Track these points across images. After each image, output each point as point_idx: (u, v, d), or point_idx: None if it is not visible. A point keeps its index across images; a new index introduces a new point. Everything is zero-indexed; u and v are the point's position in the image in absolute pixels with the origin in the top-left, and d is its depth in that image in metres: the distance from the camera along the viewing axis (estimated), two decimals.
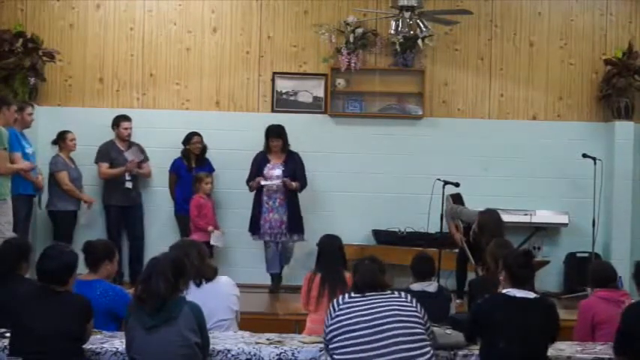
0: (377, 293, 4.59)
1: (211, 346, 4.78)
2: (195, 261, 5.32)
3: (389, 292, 4.64)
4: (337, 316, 4.52)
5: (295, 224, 8.80)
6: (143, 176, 9.34)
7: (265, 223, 8.76)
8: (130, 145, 9.22)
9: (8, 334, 4.74)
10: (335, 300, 4.64)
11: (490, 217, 7.39)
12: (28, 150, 8.00)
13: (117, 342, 4.90)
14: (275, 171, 8.83)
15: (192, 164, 9.20)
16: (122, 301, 5.18)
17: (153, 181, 9.47)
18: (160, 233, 9.22)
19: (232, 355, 4.82)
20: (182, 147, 9.27)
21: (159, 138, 9.37)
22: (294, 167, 8.84)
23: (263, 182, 8.77)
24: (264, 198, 8.79)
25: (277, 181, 8.76)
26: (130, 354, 4.57)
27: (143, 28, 9.62)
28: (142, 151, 9.27)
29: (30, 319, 4.55)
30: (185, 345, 4.48)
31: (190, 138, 9.21)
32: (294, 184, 8.76)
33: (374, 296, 4.57)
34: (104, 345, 4.84)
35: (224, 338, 5.07)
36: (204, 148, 9.27)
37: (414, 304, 4.57)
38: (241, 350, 4.84)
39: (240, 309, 5.59)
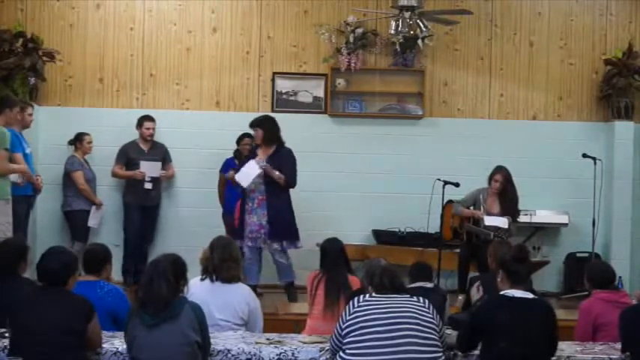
0: (397, 295, 4.66)
1: (211, 346, 4.80)
2: (215, 260, 5.46)
3: (407, 295, 4.70)
4: (355, 312, 4.58)
5: (276, 229, 7.93)
6: (165, 178, 9.33)
7: (246, 227, 8.05)
8: (153, 145, 9.21)
9: (8, 334, 4.74)
10: (355, 298, 4.69)
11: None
12: (28, 150, 8.00)
13: (117, 342, 4.91)
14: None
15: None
16: (125, 304, 5.29)
17: (174, 181, 9.49)
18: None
19: (232, 355, 4.83)
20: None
21: (159, 138, 9.34)
22: (280, 162, 8.07)
23: (237, 177, 8.00)
24: (246, 199, 8.11)
25: (254, 173, 7.94)
26: (132, 354, 4.59)
27: (143, 28, 9.62)
28: (163, 153, 9.27)
29: (30, 318, 4.56)
30: (186, 343, 4.51)
31: (241, 139, 9.09)
32: (276, 172, 7.97)
33: (393, 297, 4.64)
34: (104, 345, 4.84)
35: (224, 338, 5.08)
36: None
37: (431, 311, 4.63)
38: (241, 350, 4.85)
39: None
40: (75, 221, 8.98)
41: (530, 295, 4.76)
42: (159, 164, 9.16)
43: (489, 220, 8.24)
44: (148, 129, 9.16)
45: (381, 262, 4.91)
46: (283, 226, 8.01)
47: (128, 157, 9.14)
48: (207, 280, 5.47)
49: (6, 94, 8.48)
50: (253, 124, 8.25)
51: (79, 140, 9.03)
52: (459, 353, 4.90)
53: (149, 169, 9.07)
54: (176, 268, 4.63)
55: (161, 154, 9.28)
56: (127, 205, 9.21)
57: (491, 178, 8.40)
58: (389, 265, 4.87)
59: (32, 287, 4.87)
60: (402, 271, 4.96)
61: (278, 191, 8.06)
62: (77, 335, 4.59)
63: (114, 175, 9.21)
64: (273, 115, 9.36)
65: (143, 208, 9.18)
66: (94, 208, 8.96)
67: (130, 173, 9.09)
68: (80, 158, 9.00)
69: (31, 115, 8.23)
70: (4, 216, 7.25)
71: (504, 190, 8.35)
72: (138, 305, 4.60)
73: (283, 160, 8.11)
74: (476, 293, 5.99)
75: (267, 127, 8.17)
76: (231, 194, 8.96)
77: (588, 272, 5.81)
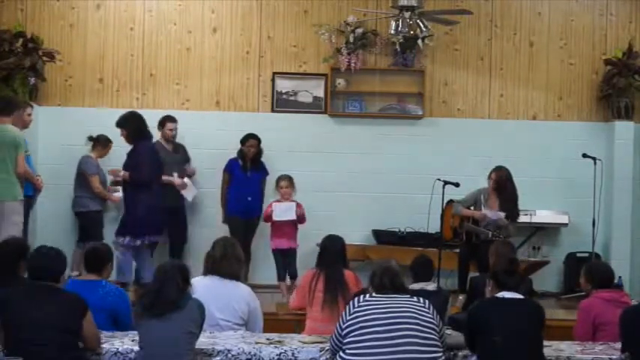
0: (397, 295, 4.67)
1: (211, 346, 4.84)
2: (217, 255, 5.55)
3: (408, 295, 4.71)
4: (355, 312, 4.59)
5: (124, 225, 8.10)
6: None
7: None
8: (175, 146, 9.15)
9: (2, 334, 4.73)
10: (355, 298, 4.70)
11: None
12: (27, 151, 8.06)
13: (117, 342, 4.93)
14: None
15: (248, 165, 9.00)
16: (125, 304, 5.37)
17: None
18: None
19: (232, 355, 4.84)
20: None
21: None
22: (133, 157, 8.17)
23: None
24: None
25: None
26: (141, 344, 4.67)
27: (143, 28, 9.62)
28: (185, 153, 9.28)
29: (25, 317, 4.56)
30: (188, 332, 4.64)
31: (245, 140, 9.02)
32: (121, 172, 8.17)
33: (393, 297, 4.65)
34: (104, 345, 4.86)
35: (224, 338, 5.09)
36: (259, 152, 9.07)
37: (432, 311, 4.65)
38: (241, 350, 4.86)
39: None
40: (89, 222, 8.88)
41: (519, 296, 4.88)
42: (195, 190, 9.21)
43: (489, 213, 8.25)
44: (171, 130, 9.08)
45: (391, 263, 4.89)
46: (135, 223, 8.04)
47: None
48: (208, 276, 5.52)
49: (10, 95, 8.55)
50: (117, 124, 8.30)
51: (101, 143, 8.95)
52: (459, 353, 4.93)
53: (189, 192, 9.10)
54: (182, 273, 4.76)
55: (184, 154, 9.25)
56: None
57: (488, 177, 8.45)
58: (396, 266, 4.85)
59: (24, 287, 4.84)
60: (402, 271, 4.94)
61: (130, 189, 8.14)
62: (74, 334, 4.63)
63: None
64: (273, 115, 9.43)
65: (168, 209, 8.84)
66: (188, 182, 9.04)
67: (171, 179, 8.93)
68: (95, 160, 8.95)
69: (30, 115, 8.25)
70: (18, 215, 7.49)
71: (504, 189, 8.37)
72: (143, 308, 4.67)
73: (134, 154, 8.16)
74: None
75: (129, 126, 8.21)
76: (235, 194, 8.97)
77: (588, 273, 5.80)
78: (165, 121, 9.12)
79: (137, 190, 8.09)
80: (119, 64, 9.61)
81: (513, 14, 9.76)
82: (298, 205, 8.34)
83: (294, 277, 8.40)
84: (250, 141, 9.03)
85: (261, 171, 9.13)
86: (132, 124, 8.21)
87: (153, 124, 9.24)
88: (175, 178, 8.97)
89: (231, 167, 9.10)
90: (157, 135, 9.10)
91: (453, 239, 8.75)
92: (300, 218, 8.35)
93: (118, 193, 8.85)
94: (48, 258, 4.81)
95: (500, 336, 4.63)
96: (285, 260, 8.42)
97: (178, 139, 9.33)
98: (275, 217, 8.28)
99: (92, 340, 4.75)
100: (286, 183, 8.42)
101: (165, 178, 8.86)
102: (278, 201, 8.40)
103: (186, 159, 9.30)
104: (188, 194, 9.09)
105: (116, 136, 8.96)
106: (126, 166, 8.21)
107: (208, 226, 9.19)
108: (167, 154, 9.06)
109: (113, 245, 7.79)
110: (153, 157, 8.25)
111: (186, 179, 9.07)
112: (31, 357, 4.45)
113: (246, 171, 9.01)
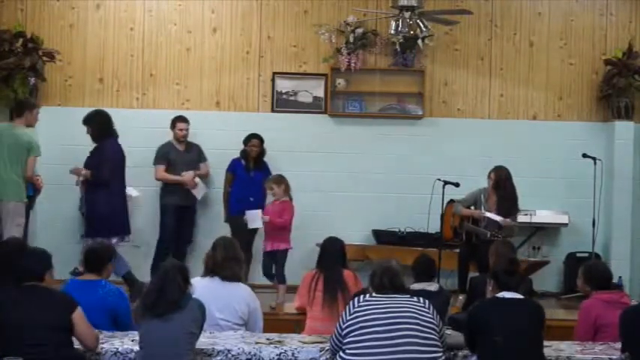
0: (397, 295, 4.68)
1: (211, 346, 4.85)
2: (218, 258, 5.55)
3: (408, 295, 4.71)
4: (355, 312, 4.60)
5: (89, 224, 8.02)
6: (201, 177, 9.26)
7: None
8: (188, 145, 9.15)
9: None
10: (355, 298, 4.71)
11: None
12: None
13: (117, 342, 4.93)
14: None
15: (251, 165, 9.03)
16: (125, 304, 5.40)
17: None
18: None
19: (232, 355, 4.85)
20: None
21: (159, 138, 9.28)
22: (96, 155, 8.09)
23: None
24: None
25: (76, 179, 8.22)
26: (141, 344, 4.68)
27: (143, 28, 9.62)
28: (198, 153, 9.22)
29: (18, 318, 4.57)
30: (189, 332, 4.65)
31: (248, 140, 9.04)
32: (83, 171, 8.03)
33: (393, 297, 4.66)
34: (104, 345, 4.86)
35: (224, 338, 5.10)
36: (262, 152, 9.08)
37: (432, 311, 4.65)
38: (241, 350, 4.87)
39: None
40: None
41: (519, 296, 4.89)
42: (205, 189, 9.17)
43: (490, 214, 8.26)
44: (181, 130, 9.07)
45: (391, 263, 4.89)
46: (94, 222, 7.96)
47: (169, 158, 9.01)
48: (208, 278, 5.53)
49: (24, 97, 8.66)
50: (83, 122, 8.25)
51: None
52: (459, 353, 4.94)
53: (198, 191, 9.07)
54: (183, 274, 4.78)
55: (196, 154, 9.23)
56: (165, 206, 9.06)
57: (488, 177, 8.46)
58: (397, 266, 4.86)
59: (14, 287, 4.81)
60: (403, 271, 4.94)
61: (93, 187, 8.05)
62: (65, 331, 4.65)
63: (161, 178, 9.00)
64: (273, 115, 9.42)
65: (180, 208, 9.05)
66: (198, 180, 9.01)
67: (179, 178, 8.95)
68: None
69: (35, 114, 8.25)
70: (21, 217, 7.63)
71: (503, 189, 8.37)
72: (145, 308, 4.68)
73: (97, 152, 8.11)
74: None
75: (94, 124, 8.18)
76: (237, 194, 8.96)
77: (587, 273, 5.78)
78: (176, 121, 9.12)
79: (98, 189, 7.99)
80: (119, 65, 9.61)
81: (513, 14, 9.76)
82: (269, 212, 8.04)
83: (279, 280, 8.16)
84: (253, 141, 9.04)
85: (264, 171, 9.11)
86: (97, 123, 8.15)
87: (153, 124, 9.34)
88: (186, 174, 8.97)
89: (234, 167, 9.11)
90: (168, 135, 9.14)
91: (453, 239, 8.76)
92: (272, 224, 8.00)
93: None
94: (30, 258, 4.83)
95: (500, 336, 4.64)
96: (270, 262, 8.22)
97: None
98: (249, 225, 8.20)
99: (87, 338, 4.74)
100: (270, 185, 8.16)
101: (173, 177, 8.92)
102: (274, 203, 8.37)
103: (200, 159, 9.27)
104: (198, 193, 9.09)
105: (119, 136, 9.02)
106: (88, 165, 8.10)
107: (210, 226, 9.19)
108: (178, 154, 9.07)
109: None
110: (116, 157, 8.13)
111: (196, 179, 9.06)
112: (28, 357, 4.44)
113: (249, 171, 9.02)
